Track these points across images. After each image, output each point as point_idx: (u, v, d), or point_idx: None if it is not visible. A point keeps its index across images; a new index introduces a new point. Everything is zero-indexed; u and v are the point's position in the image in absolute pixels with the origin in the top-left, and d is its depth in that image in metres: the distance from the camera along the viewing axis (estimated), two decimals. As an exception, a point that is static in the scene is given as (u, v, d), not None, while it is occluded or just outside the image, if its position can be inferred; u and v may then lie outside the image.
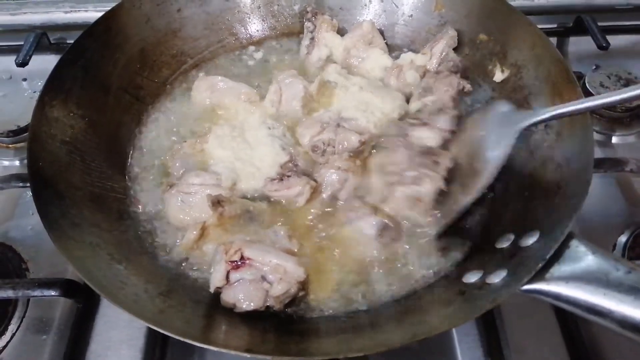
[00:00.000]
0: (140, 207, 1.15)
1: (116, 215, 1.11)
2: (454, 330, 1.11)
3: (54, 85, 1.14)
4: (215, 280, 0.97)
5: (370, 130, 1.22)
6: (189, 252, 1.06)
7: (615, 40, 1.61)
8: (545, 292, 0.81)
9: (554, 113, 0.99)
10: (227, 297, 0.96)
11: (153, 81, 1.36)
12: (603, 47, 1.58)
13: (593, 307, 0.76)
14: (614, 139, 1.49)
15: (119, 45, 1.30)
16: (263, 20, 1.51)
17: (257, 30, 1.51)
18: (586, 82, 1.51)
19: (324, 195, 1.13)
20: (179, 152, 1.20)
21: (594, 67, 1.57)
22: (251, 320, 0.95)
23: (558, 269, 0.82)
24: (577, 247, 0.83)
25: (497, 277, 0.89)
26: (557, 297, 0.80)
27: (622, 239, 1.26)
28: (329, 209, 1.13)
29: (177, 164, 1.18)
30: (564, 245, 0.84)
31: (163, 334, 1.07)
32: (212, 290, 0.98)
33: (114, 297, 0.86)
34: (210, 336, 0.88)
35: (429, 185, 1.06)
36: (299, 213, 1.13)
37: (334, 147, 1.19)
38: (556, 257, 0.83)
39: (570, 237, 0.85)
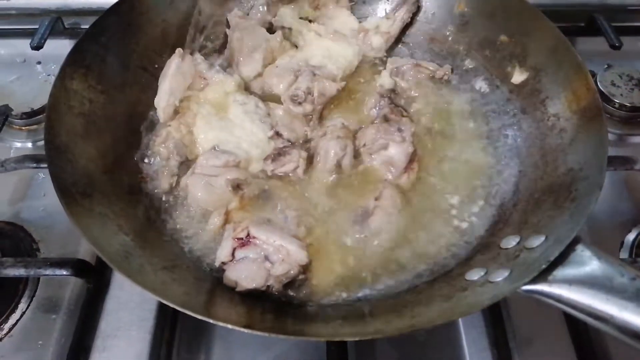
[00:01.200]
0: (151, 184, 1.17)
1: (127, 189, 1.13)
2: (460, 321, 1.12)
3: (76, 59, 1.16)
4: (222, 255, 0.99)
5: (339, 77, 1.27)
6: (214, 238, 1.08)
7: (627, 40, 1.60)
8: (547, 294, 0.81)
9: None
10: (230, 275, 0.98)
11: None
12: (616, 46, 1.57)
13: (594, 312, 0.76)
14: (625, 138, 1.48)
15: (142, 25, 1.31)
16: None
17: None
18: (598, 81, 1.51)
19: (329, 164, 1.16)
20: (169, 137, 1.20)
21: (606, 66, 1.55)
22: (252, 301, 0.97)
23: (562, 272, 0.82)
24: (583, 252, 0.83)
25: (499, 276, 0.90)
26: (558, 299, 0.80)
27: (630, 236, 1.26)
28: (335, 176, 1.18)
29: (171, 146, 1.19)
30: (570, 248, 0.84)
31: (172, 316, 1.12)
32: (217, 264, 1.01)
33: (118, 265, 0.88)
34: (209, 310, 0.90)
35: (397, 148, 1.15)
36: (311, 185, 1.17)
37: (312, 95, 1.21)
38: (561, 260, 0.83)
39: (576, 241, 0.85)
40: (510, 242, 1.00)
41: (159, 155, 1.19)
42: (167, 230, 1.10)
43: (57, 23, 1.64)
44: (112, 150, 1.15)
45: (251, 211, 1.10)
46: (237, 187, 1.09)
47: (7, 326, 1.11)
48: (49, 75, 1.55)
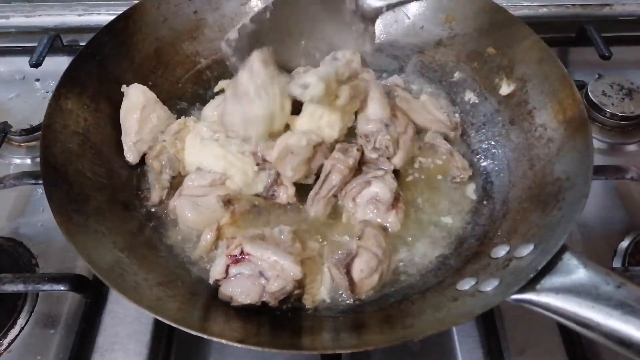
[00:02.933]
0: (145, 200, 1.18)
1: (122, 206, 1.14)
2: (454, 331, 1.13)
3: (70, 78, 1.18)
4: (215, 272, 1.00)
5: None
6: (207, 254, 1.09)
7: (618, 50, 1.63)
8: (535, 302, 0.83)
9: None
10: (225, 290, 0.99)
11: (167, 79, 1.39)
12: (606, 57, 1.60)
13: (581, 320, 0.77)
14: (616, 147, 1.50)
15: (136, 43, 1.33)
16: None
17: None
18: (589, 91, 1.53)
19: (332, 192, 1.14)
20: (163, 151, 1.21)
21: (597, 76, 1.58)
22: (246, 315, 0.97)
23: (549, 280, 0.83)
24: (570, 260, 0.84)
25: (489, 286, 0.91)
26: (546, 307, 0.81)
27: (623, 245, 1.26)
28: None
29: (164, 160, 1.20)
30: (557, 257, 0.85)
31: (169, 330, 1.13)
32: (211, 282, 1.01)
33: (113, 282, 0.88)
34: (204, 325, 0.90)
35: (379, 183, 1.12)
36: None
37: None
38: (548, 268, 0.84)
39: (564, 249, 0.86)
40: (500, 251, 1.02)
41: (152, 169, 1.21)
42: (162, 245, 1.12)
43: (55, 41, 1.66)
44: (107, 167, 1.17)
45: (243, 227, 1.11)
46: (228, 202, 1.10)
47: (6, 341, 1.12)
48: (47, 92, 1.56)
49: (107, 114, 1.23)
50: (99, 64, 1.24)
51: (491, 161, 1.26)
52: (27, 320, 1.15)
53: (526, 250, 0.94)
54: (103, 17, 1.69)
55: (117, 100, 1.25)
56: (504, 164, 1.24)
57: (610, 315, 0.75)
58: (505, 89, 1.29)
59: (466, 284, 0.97)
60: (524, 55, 1.26)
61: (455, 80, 1.40)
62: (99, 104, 1.22)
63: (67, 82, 1.17)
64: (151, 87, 1.29)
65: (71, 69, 1.19)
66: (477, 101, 1.35)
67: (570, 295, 0.80)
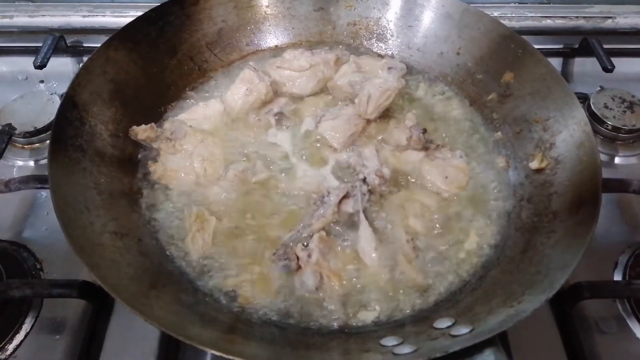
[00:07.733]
0: (149, 167, 1.22)
1: (126, 157, 1.20)
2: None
3: (127, 33, 1.27)
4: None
5: None
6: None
7: (620, 62, 1.62)
8: None
9: None
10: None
11: (220, 59, 1.47)
12: (608, 69, 1.58)
13: None
14: (616, 160, 1.49)
15: (201, 19, 1.43)
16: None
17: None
18: (591, 103, 1.52)
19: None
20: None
21: (599, 88, 1.57)
22: (186, 305, 0.98)
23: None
24: (488, 357, 0.79)
25: (407, 349, 0.87)
26: None
27: (624, 258, 1.25)
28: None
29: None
30: (478, 348, 0.80)
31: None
32: None
33: (63, 213, 0.94)
34: (121, 289, 0.91)
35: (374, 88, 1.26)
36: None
37: None
38: (462, 356, 0.79)
39: (489, 343, 0.81)
40: (444, 323, 0.95)
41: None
42: (142, 204, 1.17)
43: (59, 42, 1.63)
44: (128, 120, 1.23)
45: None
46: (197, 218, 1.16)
47: (11, 347, 1.09)
48: (52, 94, 1.51)
49: (150, 73, 1.31)
50: (160, 29, 1.34)
51: (493, 233, 1.18)
52: (32, 326, 1.12)
53: (463, 330, 0.88)
54: (108, 19, 1.68)
55: (164, 64, 1.35)
56: (502, 243, 1.16)
57: None
58: (536, 164, 1.22)
59: (390, 341, 0.93)
60: (567, 134, 1.19)
61: (495, 139, 1.34)
62: (146, 62, 1.30)
63: (122, 36, 1.26)
64: (203, 62, 1.41)
65: (130, 25, 1.28)
66: (505, 166, 1.29)
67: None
